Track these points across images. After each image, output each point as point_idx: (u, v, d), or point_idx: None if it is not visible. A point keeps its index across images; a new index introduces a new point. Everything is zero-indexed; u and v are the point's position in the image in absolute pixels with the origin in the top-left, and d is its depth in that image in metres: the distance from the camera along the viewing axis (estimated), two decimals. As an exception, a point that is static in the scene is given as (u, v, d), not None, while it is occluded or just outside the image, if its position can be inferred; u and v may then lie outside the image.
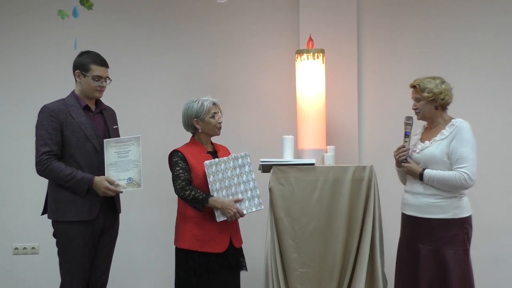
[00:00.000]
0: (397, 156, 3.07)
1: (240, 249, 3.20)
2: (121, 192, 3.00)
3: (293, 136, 3.55)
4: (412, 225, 3.03)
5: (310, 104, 3.64)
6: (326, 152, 3.60)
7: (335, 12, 4.02)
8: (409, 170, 3.02)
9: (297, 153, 3.66)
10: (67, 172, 2.87)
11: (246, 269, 3.20)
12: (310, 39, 3.71)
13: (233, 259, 3.11)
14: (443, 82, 3.01)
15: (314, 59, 3.64)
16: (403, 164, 3.05)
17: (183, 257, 3.05)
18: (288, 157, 3.46)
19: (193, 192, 2.98)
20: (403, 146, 3.06)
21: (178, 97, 4.16)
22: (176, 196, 3.10)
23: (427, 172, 2.95)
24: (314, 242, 3.27)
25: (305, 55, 3.65)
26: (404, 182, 3.18)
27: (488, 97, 4.05)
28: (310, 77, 3.64)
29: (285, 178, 3.29)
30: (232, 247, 3.10)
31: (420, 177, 2.96)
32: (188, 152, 3.08)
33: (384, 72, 4.14)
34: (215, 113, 3.12)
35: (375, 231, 3.23)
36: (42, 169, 2.90)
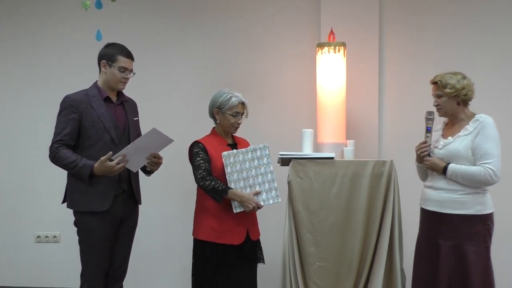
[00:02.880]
0: (419, 151, 3.03)
1: (258, 242, 3.21)
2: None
3: (312, 129, 3.54)
4: (433, 221, 3.00)
5: (330, 98, 3.62)
6: (346, 146, 3.58)
7: (356, 5, 4.00)
8: (432, 164, 2.97)
9: (317, 146, 3.64)
10: (71, 159, 2.89)
11: (263, 262, 3.21)
12: (332, 32, 3.68)
13: (249, 252, 3.11)
14: (464, 77, 2.97)
15: (335, 52, 3.61)
16: (425, 158, 3.00)
17: (200, 248, 3.07)
18: (308, 150, 3.44)
19: (213, 183, 2.99)
20: (425, 142, 3.02)
21: (198, 90, 4.20)
22: (195, 188, 3.11)
23: (452, 166, 2.90)
24: (333, 236, 3.26)
25: (326, 48, 3.63)
26: (423, 178, 3.15)
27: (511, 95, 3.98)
28: (331, 71, 3.62)
29: (304, 171, 3.28)
30: (249, 240, 3.11)
31: (443, 171, 2.92)
32: (208, 143, 3.09)
33: (405, 66, 4.11)
34: (237, 112, 3.10)
35: (394, 226, 3.20)
36: (51, 156, 2.95)
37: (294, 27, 4.21)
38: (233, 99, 3.09)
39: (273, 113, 4.21)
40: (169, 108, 4.27)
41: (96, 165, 2.87)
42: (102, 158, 2.85)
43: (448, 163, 2.92)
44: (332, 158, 3.32)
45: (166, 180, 4.10)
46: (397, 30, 4.11)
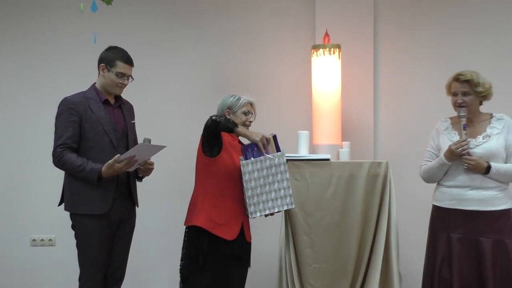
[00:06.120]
0: (460, 149, 2.93)
1: (249, 245, 3.14)
2: None
3: (308, 131, 3.55)
4: (472, 220, 2.96)
5: (326, 100, 3.64)
6: (341, 148, 3.59)
7: (351, 7, 4.02)
8: (477, 163, 2.93)
9: (312, 148, 3.66)
10: (77, 164, 2.88)
11: (249, 266, 3.18)
12: (327, 34, 3.71)
13: (241, 252, 3.02)
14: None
15: (330, 54, 3.63)
16: (465, 158, 2.93)
17: (195, 235, 2.97)
18: (303, 152, 3.46)
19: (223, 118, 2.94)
20: (464, 140, 2.96)
21: (194, 91, 4.19)
22: (193, 190, 3.09)
23: (494, 165, 2.93)
24: (329, 237, 3.27)
25: (321, 50, 3.65)
26: (434, 177, 3.08)
27: (507, 96, 4.00)
28: (326, 72, 3.64)
29: (300, 173, 3.30)
30: (243, 239, 3.03)
31: (487, 170, 2.92)
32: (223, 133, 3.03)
33: (401, 67, 4.12)
34: (248, 111, 3.12)
35: (390, 227, 3.22)
36: (56, 161, 2.94)
37: (289, 29, 4.21)
38: (242, 98, 3.13)
39: (269, 115, 4.19)
40: (165, 109, 4.25)
41: (103, 169, 2.87)
42: (110, 161, 2.85)
43: (488, 162, 2.94)
44: (328, 159, 3.34)
45: (164, 182, 4.08)
46: (392, 31, 4.13)
